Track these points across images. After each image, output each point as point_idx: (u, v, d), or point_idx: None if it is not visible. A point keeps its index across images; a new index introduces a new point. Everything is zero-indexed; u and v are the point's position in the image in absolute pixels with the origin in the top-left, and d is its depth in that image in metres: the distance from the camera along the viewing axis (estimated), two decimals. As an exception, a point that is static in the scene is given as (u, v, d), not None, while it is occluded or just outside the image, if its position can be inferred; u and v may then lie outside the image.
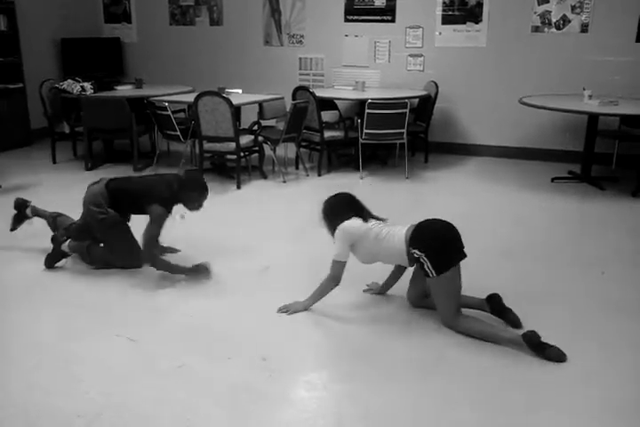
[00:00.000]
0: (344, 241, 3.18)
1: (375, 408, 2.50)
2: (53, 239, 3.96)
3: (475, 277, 3.74)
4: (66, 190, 5.70)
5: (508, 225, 4.78)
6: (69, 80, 6.62)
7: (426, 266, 3.00)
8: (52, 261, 3.87)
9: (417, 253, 3.02)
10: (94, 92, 6.51)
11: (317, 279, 3.70)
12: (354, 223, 3.19)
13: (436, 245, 3.05)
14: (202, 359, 2.84)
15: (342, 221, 3.21)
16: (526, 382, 2.67)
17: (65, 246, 3.91)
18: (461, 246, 3.11)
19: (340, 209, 3.29)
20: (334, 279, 3.20)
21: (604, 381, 2.68)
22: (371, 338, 3.06)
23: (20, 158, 6.96)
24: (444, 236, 3.10)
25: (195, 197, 3.63)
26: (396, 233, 3.12)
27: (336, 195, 3.38)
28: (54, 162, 6.66)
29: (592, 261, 4.04)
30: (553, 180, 6.04)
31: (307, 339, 3.04)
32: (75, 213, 4.96)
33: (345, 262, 3.19)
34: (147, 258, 3.64)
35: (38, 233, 4.33)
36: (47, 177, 6.11)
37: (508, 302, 3.19)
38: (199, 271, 3.64)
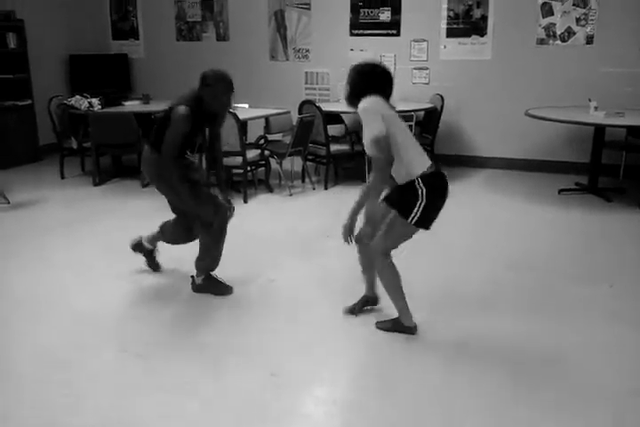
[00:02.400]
0: (375, 113, 2.85)
1: (384, 423, 2.48)
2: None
3: (481, 289, 3.73)
4: (74, 206, 5.74)
5: (514, 237, 4.76)
6: (77, 96, 6.68)
7: (416, 209, 2.92)
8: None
9: (421, 188, 2.90)
10: (102, 108, 6.56)
11: (324, 292, 3.70)
12: (379, 99, 2.91)
13: (437, 203, 3.00)
14: (209, 374, 2.83)
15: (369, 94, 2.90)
16: (531, 395, 2.64)
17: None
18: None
19: (375, 81, 2.97)
20: (383, 172, 2.87)
21: (609, 394, 2.66)
22: (379, 352, 3.05)
23: (29, 174, 7.01)
24: (443, 200, 3.04)
25: (218, 93, 3.38)
26: (420, 151, 2.98)
27: (377, 65, 3.03)
28: (62, 177, 6.71)
29: (600, 273, 4.02)
30: (560, 191, 6.03)
31: (315, 353, 3.03)
32: (82, 227, 5.00)
33: (388, 138, 2.85)
34: (165, 166, 3.42)
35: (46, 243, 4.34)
36: (55, 192, 6.15)
37: (515, 314, 3.17)
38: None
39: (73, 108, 6.55)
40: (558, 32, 6.64)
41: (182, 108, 3.34)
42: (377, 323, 3.26)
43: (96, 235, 4.83)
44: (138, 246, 3.97)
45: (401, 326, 3.19)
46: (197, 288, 3.70)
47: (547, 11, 6.63)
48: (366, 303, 3.44)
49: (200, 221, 3.61)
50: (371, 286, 3.41)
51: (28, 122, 7.46)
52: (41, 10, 7.70)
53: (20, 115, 7.34)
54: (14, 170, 7.12)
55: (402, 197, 2.99)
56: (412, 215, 2.94)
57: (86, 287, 3.83)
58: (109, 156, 6.86)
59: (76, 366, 2.91)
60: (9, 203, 5.67)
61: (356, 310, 3.40)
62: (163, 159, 3.42)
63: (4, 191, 5.72)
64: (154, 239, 3.92)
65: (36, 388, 2.74)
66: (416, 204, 2.93)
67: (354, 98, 2.97)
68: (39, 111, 7.36)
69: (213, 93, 3.38)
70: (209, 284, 3.70)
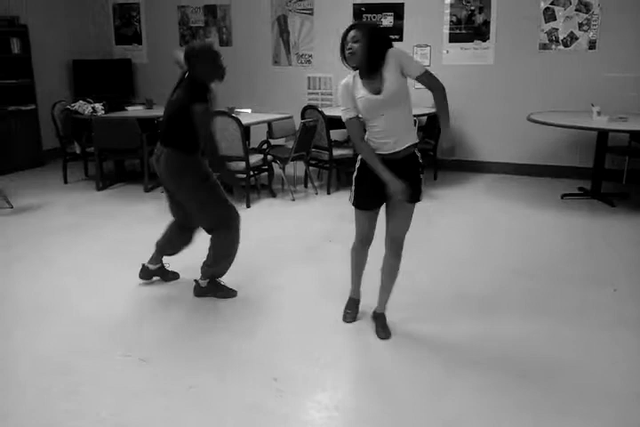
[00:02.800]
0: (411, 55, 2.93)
1: (387, 430, 2.47)
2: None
3: (486, 295, 3.72)
4: (77, 210, 5.75)
5: (518, 243, 4.75)
6: (81, 101, 6.70)
7: (422, 188, 3.04)
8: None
9: (421, 163, 3.03)
10: (105, 113, 6.58)
11: (327, 297, 3.70)
12: None
13: None
14: (212, 380, 2.82)
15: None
16: (535, 399, 2.63)
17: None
18: None
19: (389, 37, 2.96)
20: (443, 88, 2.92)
21: (614, 398, 2.64)
22: (381, 356, 3.04)
23: (32, 179, 7.02)
24: None
25: (212, 66, 3.40)
26: None
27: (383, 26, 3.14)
28: (65, 182, 6.72)
29: (603, 278, 4.00)
30: (563, 196, 6.02)
31: (317, 358, 3.02)
32: (85, 232, 5.01)
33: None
34: (217, 163, 3.52)
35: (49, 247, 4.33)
36: (58, 197, 6.16)
37: (518, 318, 3.16)
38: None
39: (76, 113, 6.57)
40: (561, 37, 6.65)
41: (200, 106, 3.32)
42: (380, 333, 3.22)
43: (100, 239, 4.83)
44: (145, 273, 3.87)
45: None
46: (201, 292, 3.70)
47: (549, 16, 6.65)
48: (358, 306, 3.46)
49: (216, 227, 3.54)
50: (359, 287, 3.43)
51: (32, 127, 7.48)
52: (45, 15, 7.74)
53: (23, 120, 7.36)
54: (17, 174, 7.14)
55: (411, 183, 2.97)
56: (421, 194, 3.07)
57: (89, 291, 3.83)
58: (112, 161, 6.87)
59: (78, 371, 2.90)
60: (12, 207, 5.68)
61: (353, 316, 3.39)
62: (214, 158, 3.44)
63: (7, 196, 5.74)
64: (156, 258, 3.85)
65: (37, 392, 2.73)
66: (420, 184, 3.03)
67: (377, 57, 2.86)
68: (42, 116, 7.38)
69: (208, 63, 3.38)
70: (213, 287, 3.69)
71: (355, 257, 3.30)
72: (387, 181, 2.89)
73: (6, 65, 7.19)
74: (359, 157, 3.09)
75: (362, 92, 2.93)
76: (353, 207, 3.13)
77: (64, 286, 3.93)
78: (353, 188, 3.10)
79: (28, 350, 3.12)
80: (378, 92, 2.89)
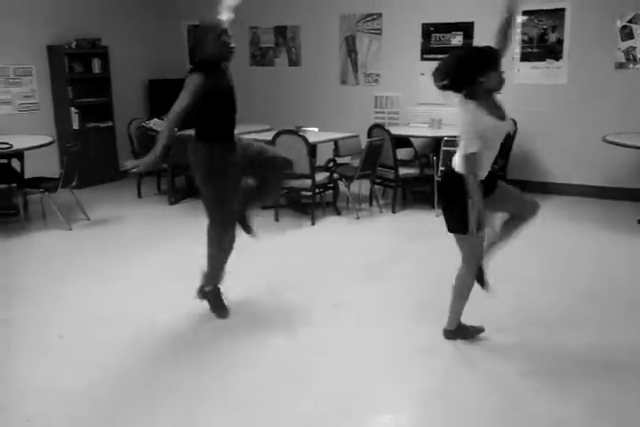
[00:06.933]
0: None
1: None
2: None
3: (556, 321, 3.60)
4: (149, 224, 5.94)
5: (590, 268, 4.58)
6: (156, 119, 6.95)
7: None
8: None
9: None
10: (178, 131, 6.79)
11: (392, 316, 3.67)
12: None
13: None
14: (274, 396, 2.84)
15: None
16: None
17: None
18: None
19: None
20: None
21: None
22: (446, 381, 2.98)
23: (108, 193, 7.31)
24: None
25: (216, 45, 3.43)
26: None
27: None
28: (139, 196, 6.97)
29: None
30: (639, 221, 5.78)
31: (380, 379, 2.99)
32: (158, 244, 5.15)
33: None
34: (165, 125, 3.48)
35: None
36: (132, 211, 6.39)
37: (594, 348, 3.03)
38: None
39: (151, 131, 6.82)
40: (639, 56, 6.43)
41: (191, 75, 3.46)
42: None
43: (171, 252, 4.96)
44: (202, 294, 3.79)
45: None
46: (203, 295, 3.70)
47: (626, 34, 6.45)
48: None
49: (211, 219, 3.57)
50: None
51: (109, 143, 7.81)
52: (124, 37, 8.10)
53: (101, 136, 7.70)
54: (94, 188, 7.44)
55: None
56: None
57: (158, 303, 3.93)
58: (184, 176, 7.07)
59: (138, 380, 2.98)
60: (89, 219, 5.93)
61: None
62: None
63: (85, 208, 5.99)
64: (209, 276, 3.73)
65: (111, 396, 2.82)
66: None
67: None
68: (119, 133, 7.70)
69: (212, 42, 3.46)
70: (212, 296, 3.69)
71: (467, 286, 3.18)
72: (477, 210, 2.82)
73: (87, 84, 7.56)
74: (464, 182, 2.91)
75: (489, 119, 2.72)
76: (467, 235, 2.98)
77: (135, 296, 4.05)
78: (470, 214, 2.89)
79: (96, 358, 3.23)
80: (502, 118, 2.72)
